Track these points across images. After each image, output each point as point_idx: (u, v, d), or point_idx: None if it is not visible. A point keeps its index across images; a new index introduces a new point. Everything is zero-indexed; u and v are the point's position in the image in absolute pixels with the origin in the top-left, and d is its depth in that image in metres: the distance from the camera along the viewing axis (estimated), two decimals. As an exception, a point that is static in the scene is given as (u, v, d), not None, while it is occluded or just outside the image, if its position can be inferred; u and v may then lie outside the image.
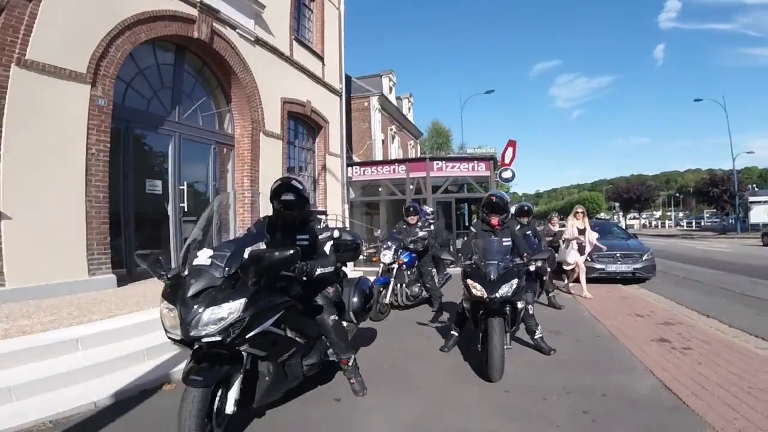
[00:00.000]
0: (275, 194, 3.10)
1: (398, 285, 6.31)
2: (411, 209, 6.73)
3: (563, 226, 8.65)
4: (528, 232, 6.14)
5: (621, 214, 57.55)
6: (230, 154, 8.93)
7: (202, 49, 8.15)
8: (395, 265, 6.23)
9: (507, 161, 21.31)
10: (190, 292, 2.24)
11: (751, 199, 29.81)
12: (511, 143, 21.58)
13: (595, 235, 7.91)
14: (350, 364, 3.31)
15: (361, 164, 15.13)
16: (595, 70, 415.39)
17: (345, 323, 3.57)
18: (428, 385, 3.49)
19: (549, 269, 6.56)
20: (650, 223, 55.72)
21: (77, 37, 5.77)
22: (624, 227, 50.08)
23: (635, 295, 7.68)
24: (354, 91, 18.98)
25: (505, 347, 3.53)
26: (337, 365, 3.40)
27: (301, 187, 3.19)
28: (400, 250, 6.36)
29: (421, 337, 5.00)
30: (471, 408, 3.03)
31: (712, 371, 3.63)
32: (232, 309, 2.24)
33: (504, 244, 4.00)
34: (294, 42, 10.86)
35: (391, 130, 22.93)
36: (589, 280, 7.70)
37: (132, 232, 6.75)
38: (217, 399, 2.38)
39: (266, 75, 9.46)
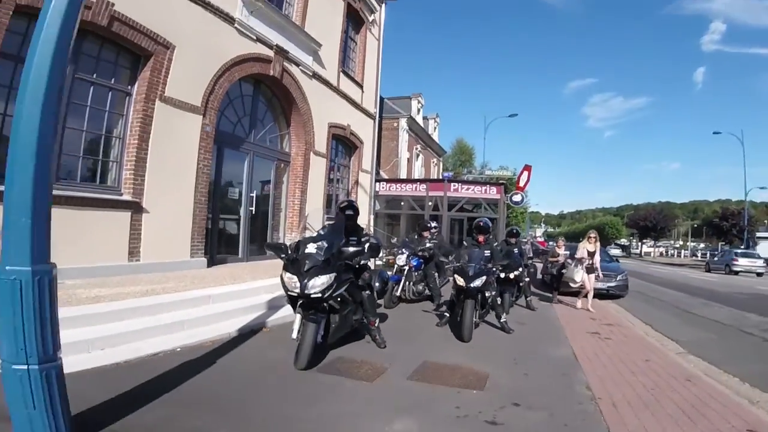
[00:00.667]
0: (342, 209, 5.18)
1: (407, 282, 7.87)
2: (426, 225, 8.72)
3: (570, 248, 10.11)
4: (515, 250, 8.18)
5: (638, 241, 58.14)
6: (286, 169, 11.12)
7: (273, 83, 10.31)
8: (406, 267, 7.81)
9: (522, 185, 23.04)
10: (305, 268, 4.27)
11: (758, 234, 31.14)
12: (527, 168, 23.30)
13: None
14: (376, 325, 5.31)
15: (387, 181, 17.22)
16: (632, 91, 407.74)
17: None
18: (424, 342, 5.51)
19: (527, 278, 8.51)
20: (667, 251, 56.13)
21: (196, 77, 7.83)
22: (640, 254, 50.61)
23: (603, 306, 9.31)
24: (385, 111, 21.11)
25: (474, 321, 5.58)
26: (367, 327, 5.36)
27: (357, 206, 5.32)
28: (411, 256, 7.92)
29: (423, 319, 7.01)
30: (448, 352, 5.03)
31: (612, 350, 5.54)
32: (329, 278, 4.25)
33: (485, 254, 6.04)
34: (341, 73, 12.95)
35: (416, 149, 25.04)
36: (566, 293, 9.47)
37: (216, 228, 8.94)
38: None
39: (318, 103, 11.54)
